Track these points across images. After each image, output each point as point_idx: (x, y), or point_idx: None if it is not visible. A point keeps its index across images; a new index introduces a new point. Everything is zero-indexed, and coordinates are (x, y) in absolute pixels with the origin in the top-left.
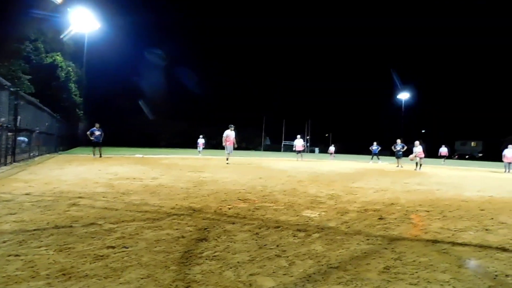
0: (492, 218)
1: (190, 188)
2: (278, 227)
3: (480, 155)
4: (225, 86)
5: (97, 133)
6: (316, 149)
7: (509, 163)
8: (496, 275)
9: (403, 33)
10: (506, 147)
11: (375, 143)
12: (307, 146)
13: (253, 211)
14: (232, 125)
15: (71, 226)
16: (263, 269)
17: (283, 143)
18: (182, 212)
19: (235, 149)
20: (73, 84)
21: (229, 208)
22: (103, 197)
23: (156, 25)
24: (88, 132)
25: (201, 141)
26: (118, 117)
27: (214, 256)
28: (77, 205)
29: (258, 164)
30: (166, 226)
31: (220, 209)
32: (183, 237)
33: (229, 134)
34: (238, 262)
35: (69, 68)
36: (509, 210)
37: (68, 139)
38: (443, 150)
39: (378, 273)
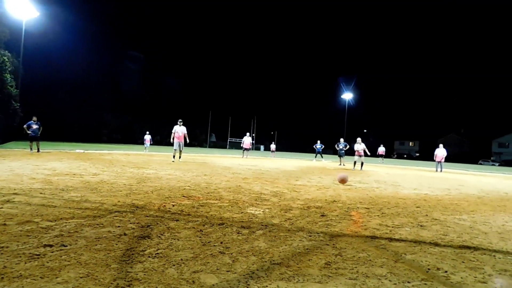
0: (427, 215)
1: (133, 185)
2: (222, 224)
3: (417, 154)
4: (170, 81)
5: (35, 126)
6: (262, 147)
7: (439, 162)
8: (428, 269)
9: (348, 35)
10: (438, 147)
11: (318, 142)
12: (252, 144)
13: (197, 208)
14: (180, 120)
15: (4, 224)
16: (207, 266)
17: (228, 140)
18: (124, 209)
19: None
20: (8, 75)
21: (173, 205)
22: (40, 193)
23: (100, 15)
24: (24, 126)
25: (147, 137)
26: (58, 111)
27: (157, 253)
28: (11, 202)
29: (203, 161)
30: (107, 223)
31: (164, 206)
32: (125, 234)
33: (178, 130)
34: (181, 259)
35: (4, 58)
36: (442, 207)
37: (2, 133)
38: (381, 149)
39: (320, 268)
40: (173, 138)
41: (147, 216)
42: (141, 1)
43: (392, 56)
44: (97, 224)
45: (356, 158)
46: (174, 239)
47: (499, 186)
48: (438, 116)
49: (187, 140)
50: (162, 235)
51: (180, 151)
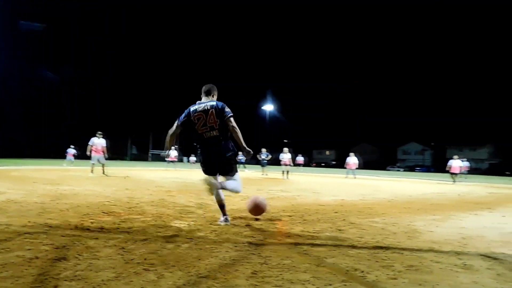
0: (344, 219)
1: (46, 203)
2: (146, 239)
3: (334, 162)
4: (88, 91)
5: None
6: (185, 159)
7: (351, 169)
8: (347, 270)
9: (272, 51)
10: (349, 155)
11: (240, 153)
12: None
13: (118, 224)
14: (100, 132)
15: None
16: (130, 285)
17: (150, 152)
18: (35, 230)
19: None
20: None
21: (92, 223)
22: None
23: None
24: None
25: (71, 151)
26: None
27: (75, 276)
28: None
29: (124, 174)
30: (16, 247)
31: (82, 224)
32: (36, 258)
33: (96, 142)
34: (102, 280)
35: None
36: (357, 211)
37: None
38: (299, 158)
39: (246, 278)
40: (90, 151)
41: (62, 236)
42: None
43: (305, 68)
44: (3, 249)
45: (283, 167)
46: (94, 259)
47: (404, 190)
48: (352, 126)
49: (106, 155)
50: (80, 255)
51: (103, 165)
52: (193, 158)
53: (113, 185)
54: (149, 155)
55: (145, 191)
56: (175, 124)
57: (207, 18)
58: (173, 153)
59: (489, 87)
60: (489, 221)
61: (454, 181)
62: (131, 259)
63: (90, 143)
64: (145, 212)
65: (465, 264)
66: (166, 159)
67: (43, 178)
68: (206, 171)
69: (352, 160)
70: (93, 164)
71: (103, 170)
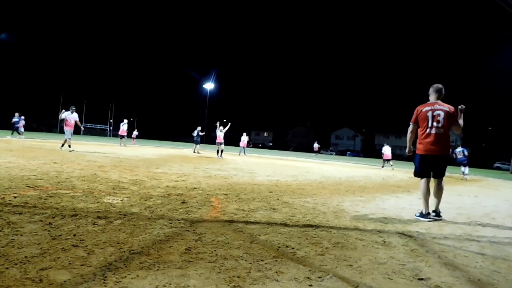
0: (278, 199)
1: None
2: (76, 215)
3: (271, 144)
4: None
5: None
6: None
7: (243, 147)
8: (279, 247)
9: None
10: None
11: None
12: (110, 130)
13: (45, 199)
14: (73, 107)
15: None
16: (57, 262)
17: (83, 125)
18: None
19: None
20: None
21: (15, 197)
22: None
23: None
24: None
25: (21, 122)
26: None
27: None
28: None
29: (52, 147)
30: None
31: (3, 198)
32: None
33: (70, 117)
34: (25, 257)
35: None
36: (290, 191)
37: None
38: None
39: (180, 254)
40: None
41: None
42: None
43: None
44: None
45: (217, 146)
46: (17, 235)
47: (335, 172)
48: (289, 110)
49: (82, 127)
50: (1, 231)
51: (69, 139)
52: (135, 133)
53: (39, 158)
54: (81, 128)
55: (75, 165)
56: None
57: None
58: (126, 126)
59: (413, 81)
60: (407, 203)
61: (382, 166)
62: (59, 235)
63: (63, 116)
64: (75, 187)
65: (384, 241)
66: (120, 133)
67: None
68: None
69: (244, 138)
70: (69, 138)
71: (69, 144)
